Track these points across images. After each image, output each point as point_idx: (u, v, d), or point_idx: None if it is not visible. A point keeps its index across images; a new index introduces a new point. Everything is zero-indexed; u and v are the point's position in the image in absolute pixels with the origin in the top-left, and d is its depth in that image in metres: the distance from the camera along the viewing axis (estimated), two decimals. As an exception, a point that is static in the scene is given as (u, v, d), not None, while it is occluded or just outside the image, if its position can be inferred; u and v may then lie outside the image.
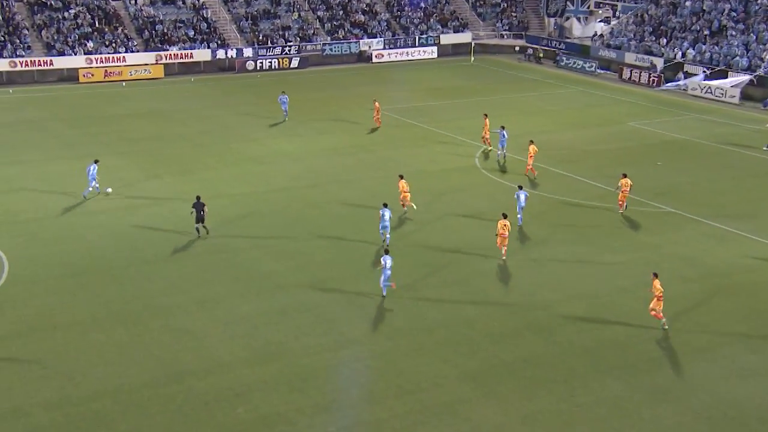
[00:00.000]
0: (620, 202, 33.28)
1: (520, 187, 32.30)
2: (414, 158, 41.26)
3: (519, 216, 31.76)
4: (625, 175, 33.42)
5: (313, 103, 54.65)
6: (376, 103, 48.41)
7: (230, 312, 24.75)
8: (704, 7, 64.72)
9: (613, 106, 54.24)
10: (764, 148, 43.22)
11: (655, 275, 24.10)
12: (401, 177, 33.02)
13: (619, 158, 39.71)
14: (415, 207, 32.60)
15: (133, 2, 68.45)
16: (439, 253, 29.29)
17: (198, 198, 30.80)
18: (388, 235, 29.76)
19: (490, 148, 41.87)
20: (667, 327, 23.80)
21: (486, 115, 42.95)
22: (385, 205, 29.65)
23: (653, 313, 23.76)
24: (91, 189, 34.80)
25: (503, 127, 39.97)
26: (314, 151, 42.53)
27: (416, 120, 49.22)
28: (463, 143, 43.91)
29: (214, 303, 25.35)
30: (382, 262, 25.62)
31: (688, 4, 66.23)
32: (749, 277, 27.51)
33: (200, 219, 30.49)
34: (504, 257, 28.74)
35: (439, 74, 65.91)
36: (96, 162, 35.39)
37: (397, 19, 75.10)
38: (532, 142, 38.05)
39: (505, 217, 28.62)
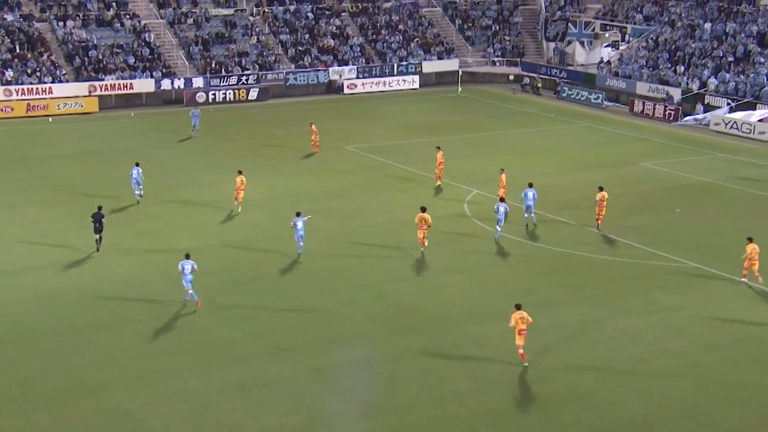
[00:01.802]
0: (597, 218, 37.54)
1: (502, 199, 36.96)
2: (393, 205, 41.56)
3: (497, 228, 36.23)
4: (601, 189, 37.41)
5: (274, 140, 55.04)
6: (313, 127, 51.52)
7: (176, 388, 24.58)
8: (727, 30, 66.32)
9: (624, 144, 55.09)
10: None
11: (518, 307, 25.68)
12: (240, 172, 40.08)
13: (631, 204, 40.21)
14: (239, 210, 39.71)
15: (61, 24, 68.95)
16: (424, 315, 29.38)
17: (99, 208, 35.06)
18: (301, 243, 34.23)
19: (438, 183, 44.61)
20: (526, 364, 25.62)
21: (439, 147, 45.15)
22: (298, 215, 34.42)
23: (520, 351, 25.55)
24: (139, 193, 41.30)
25: (531, 185, 38.33)
26: (276, 198, 42.73)
27: (395, 161, 49.69)
28: (450, 187, 44.32)
29: (157, 378, 25.18)
30: (180, 267, 29.39)
31: (708, 26, 67.85)
32: (786, 342, 27.82)
33: (98, 230, 34.63)
34: (423, 249, 34.61)
35: (421, 107, 66.72)
36: (137, 165, 41.22)
37: (373, 44, 76.20)
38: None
39: (423, 210, 34.38)
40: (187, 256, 29.74)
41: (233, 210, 39.87)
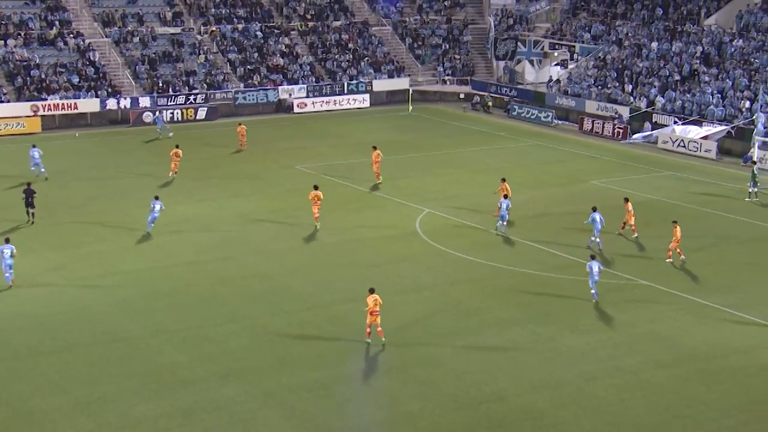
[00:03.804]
0: (632, 227, 39.74)
1: (506, 197, 40.34)
2: (344, 224, 41.59)
3: (502, 223, 39.64)
4: (626, 200, 40.10)
5: (223, 160, 54.79)
6: (242, 126, 57.09)
7: (123, 415, 24.29)
8: (673, 49, 67.59)
9: (573, 162, 55.76)
10: (746, 200, 46.82)
11: (371, 290, 28.53)
12: (177, 146, 49.08)
13: (581, 222, 40.68)
14: (171, 176, 48.30)
15: (1, 42, 67.99)
16: (376, 336, 29.35)
17: (29, 184, 40.83)
18: (152, 225, 38.66)
19: (379, 182, 48.57)
20: (369, 341, 28.46)
21: (375, 147, 49.31)
22: (157, 198, 39.14)
23: (379, 330, 28.19)
24: (33, 169, 47.92)
25: (595, 209, 38.80)
26: (225, 218, 42.51)
27: (345, 180, 49.73)
28: (401, 206, 44.47)
29: (102, 404, 24.86)
30: None
31: (654, 45, 69.08)
32: (735, 360, 28.24)
33: (30, 204, 39.63)
34: (317, 223, 39.87)
35: (371, 126, 66.89)
36: (35, 146, 48.78)
37: (322, 63, 76.35)
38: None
39: (316, 188, 40.28)
40: (7, 241, 33.12)
41: (172, 177, 48.50)
